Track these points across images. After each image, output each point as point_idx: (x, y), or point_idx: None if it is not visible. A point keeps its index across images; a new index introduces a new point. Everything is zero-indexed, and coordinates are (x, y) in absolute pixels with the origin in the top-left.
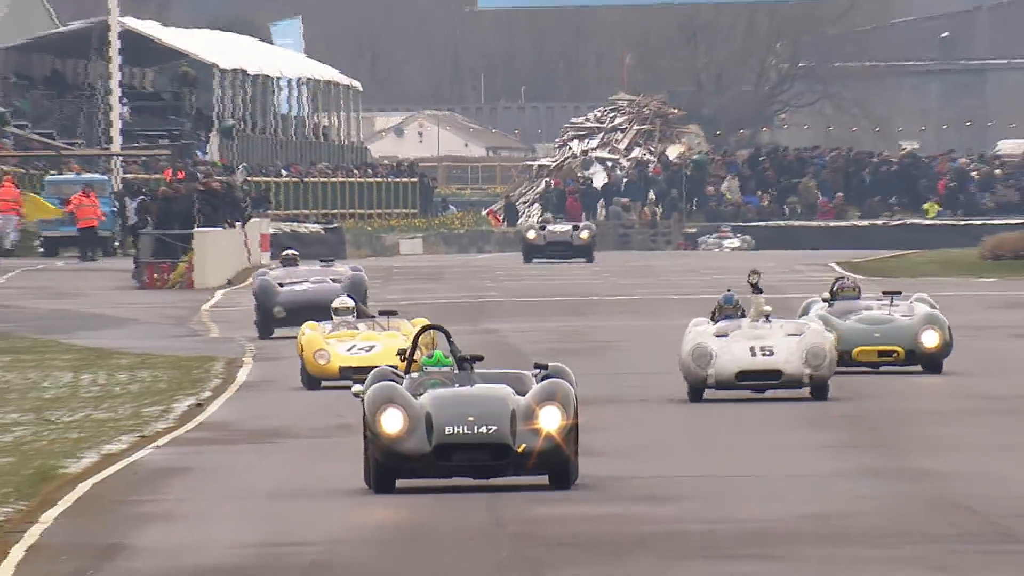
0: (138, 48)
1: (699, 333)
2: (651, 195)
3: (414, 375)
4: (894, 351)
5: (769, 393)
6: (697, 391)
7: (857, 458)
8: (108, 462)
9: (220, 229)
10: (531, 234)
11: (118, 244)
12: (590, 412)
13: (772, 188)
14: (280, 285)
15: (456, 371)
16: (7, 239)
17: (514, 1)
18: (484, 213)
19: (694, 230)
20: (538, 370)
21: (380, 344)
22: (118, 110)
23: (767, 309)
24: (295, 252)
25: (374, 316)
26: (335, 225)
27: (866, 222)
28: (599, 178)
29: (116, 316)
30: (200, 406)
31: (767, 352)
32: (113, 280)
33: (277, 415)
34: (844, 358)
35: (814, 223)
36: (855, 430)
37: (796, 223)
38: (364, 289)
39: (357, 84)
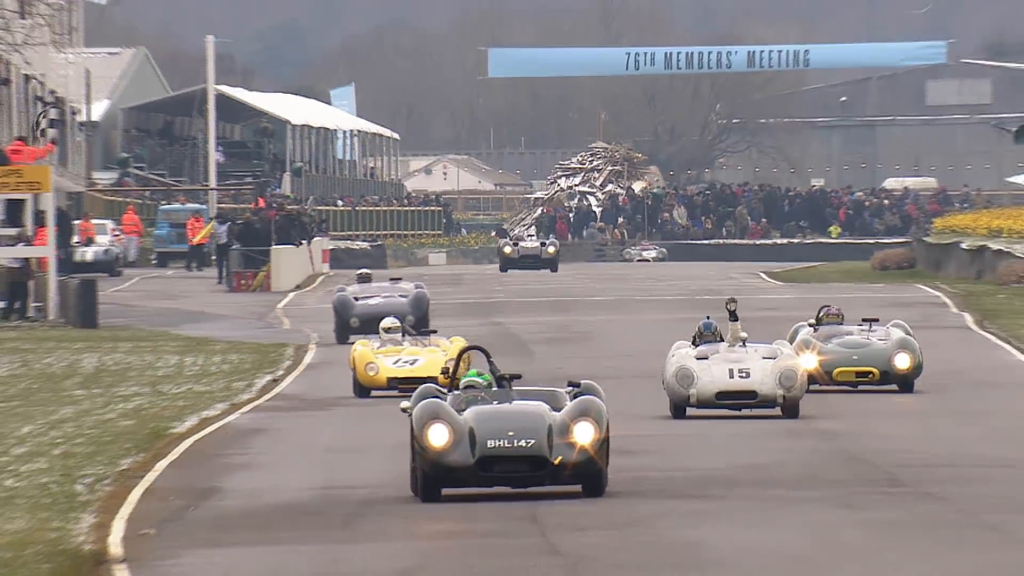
0: (229, 108)
1: (682, 356)
2: (620, 220)
3: (456, 392)
4: (870, 372)
5: (744, 411)
6: (680, 408)
7: (780, 421)
8: (205, 424)
9: (291, 246)
10: (507, 249)
11: (213, 258)
12: None
13: (713, 214)
14: (356, 299)
15: (495, 388)
16: (130, 254)
17: (516, 72)
18: (493, 234)
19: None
20: (571, 388)
21: (423, 358)
22: (214, 155)
23: (743, 335)
24: (369, 271)
25: (416, 334)
26: (379, 242)
27: (784, 241)
28: (581, 204)
29: (212, 313)
30: (275, 381)
31: (744, 374)
32: (209, 285)
33: (334, 388)
34: (826, 378)
35: (745, 241)
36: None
37: (731, 241)
38: (426, 303)
39: (395, 135)
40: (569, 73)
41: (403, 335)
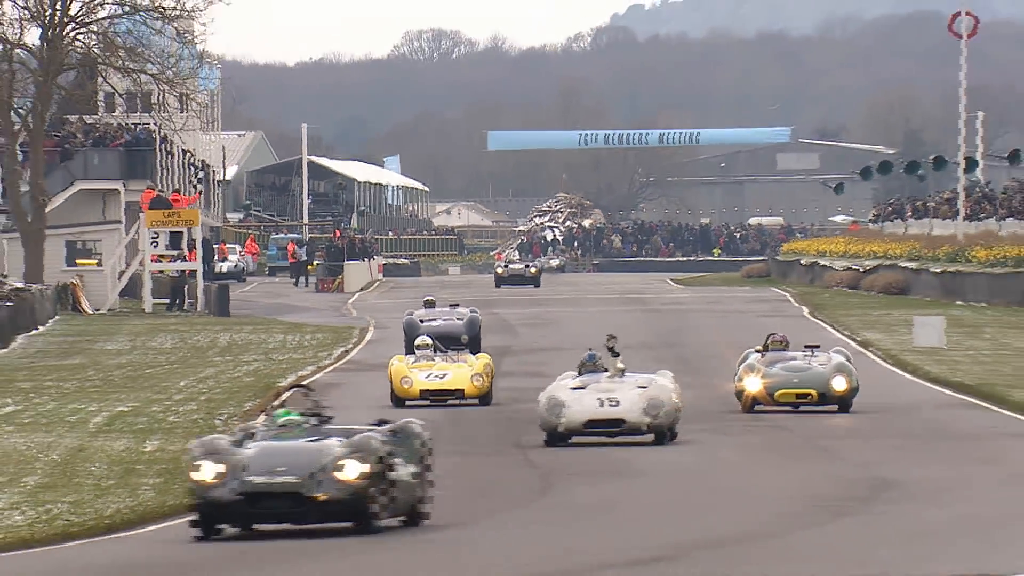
0: (317, 170)
1: (555, 386)
2: (575, 244)
3: (262, 428)
4: (809, 394)
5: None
6: (552, 437)
7: (678, 378)
8: (301, 380)
9: (358, 261)
10: (499, 269)
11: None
12: (546, 355)
13: (637, 241)
14: (422, 321)
15: (312, 424)
16: (250, 267)
17: (507, 146)
18: (492, 254)
19: (597, 262)
20: (378, 426)
21: (451, 372)
22: (307, 202)
23: (622, 366)
24: (433, 299)
25: (446, 351)
26: (415, 260)
27: (684, 258)
28: (549, 235)
29: (305, 306)
30: (347, 352)
31: (612, 403)
32: (303, 288)
33: (386, 356)
34: (769, 399)
35: (658, 259)
36: (679, 362)
37: (650, 259)
38: (479, 325)
39: (426, 188)
40: (541, 147)
41: (435, 351)
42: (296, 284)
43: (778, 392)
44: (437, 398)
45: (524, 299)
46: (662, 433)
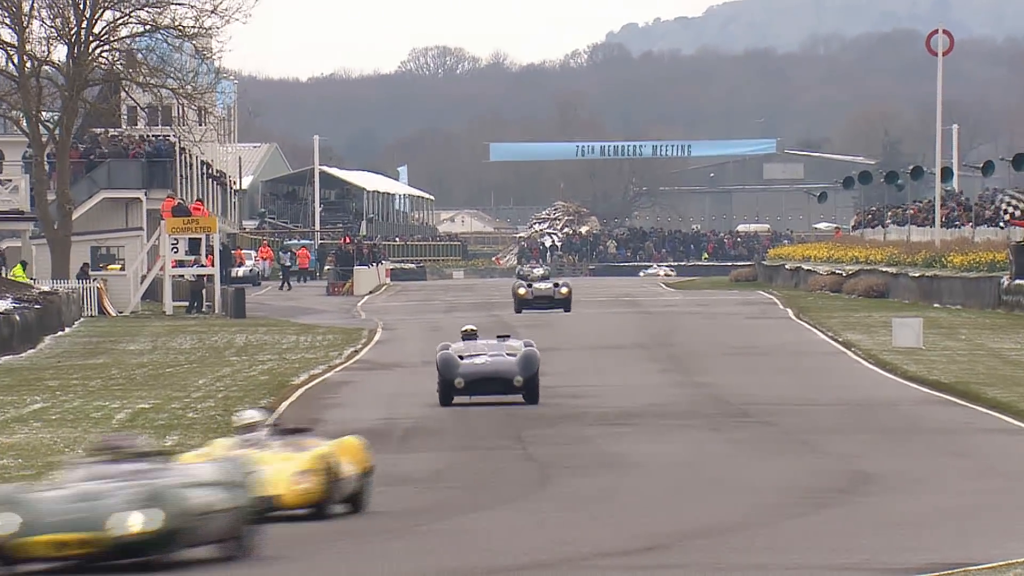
0: (328, 180)
1: None
2: (573, 249)
3: None
4: (71, 541)
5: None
6: None
7: (670, 376)
8: (312, 378)
9: (366, 266)
10: (521, 291)
11: (317, 274)
12: (546, 356)
13: (631, 247)
14: (461, 358)
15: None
16: (264, 272)
17: (507, 157)
18: (493, 259)
19: (593, 267)
20: None
21: (266, 470)
22: (318, 210)
23: None
24: (475, 328)
25: (291, 433)
26: (421, 264)
27: (677, 263)
28: (548, 241)
29: (316, 308)
30: (356, 352)
31: None
32: (315, 291)
33: (394, 355)
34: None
35: (651, 264)
36: (671, 361)
37: (642, 264)
38: (537, 363)
39: (432, 197)
40: (540, 158)
41: (274, 434)
42: (280, 288)
43: (30, 539)
44: None
45: None
46: None
